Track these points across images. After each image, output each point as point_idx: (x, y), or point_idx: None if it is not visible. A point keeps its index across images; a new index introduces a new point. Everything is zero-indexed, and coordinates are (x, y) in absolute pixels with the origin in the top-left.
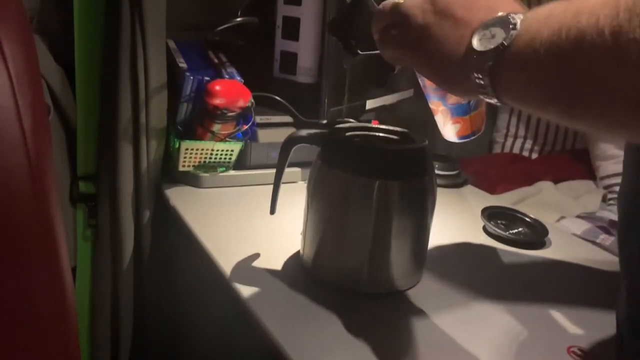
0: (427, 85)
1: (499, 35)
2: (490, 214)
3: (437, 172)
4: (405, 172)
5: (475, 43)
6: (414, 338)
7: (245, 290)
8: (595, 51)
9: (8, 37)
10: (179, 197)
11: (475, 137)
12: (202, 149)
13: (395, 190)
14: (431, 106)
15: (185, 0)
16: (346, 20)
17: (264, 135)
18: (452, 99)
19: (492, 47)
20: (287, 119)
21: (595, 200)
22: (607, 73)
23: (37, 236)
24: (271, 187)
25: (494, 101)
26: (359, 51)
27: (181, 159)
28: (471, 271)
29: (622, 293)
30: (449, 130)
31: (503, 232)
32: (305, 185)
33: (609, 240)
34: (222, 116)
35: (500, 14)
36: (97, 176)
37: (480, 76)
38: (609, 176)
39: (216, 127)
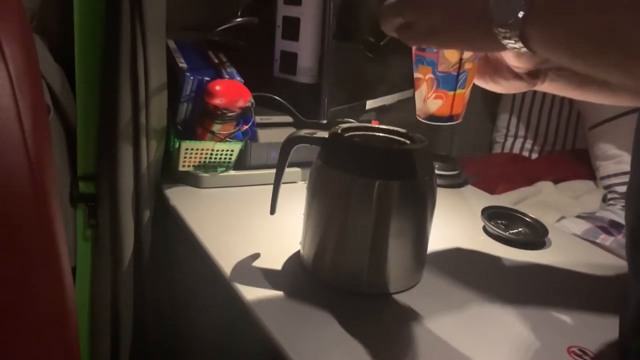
0: (417, 53)
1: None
2: (490, 214)
3: (437, 172)
4: (405, 172)
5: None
6: (413, 338)
7: (245, 290)
8: None
9: (8, 37)
10: (179, 197)
11: (450, 123)
12: (202, 149)
13: (395, 190)
14: (417, 75)
15: (185, 0)
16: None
17: (264, 135)
18: (442, 66)
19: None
20: (287, 119)
21: (595, 200)
22: None
23: (37, 236)
24: (271, 187)
25: (518, 46)
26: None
27: (181, 159)
28: (471, 271)
29: (631, 296)
30: (429, 105)
31: (503, 232)
32: (305, 185)
33: (609, 240)
34: (222, 116)
35: None
36: (97, 176)
37: (510, 24)
38: (609, 176)
39: (216, 127)
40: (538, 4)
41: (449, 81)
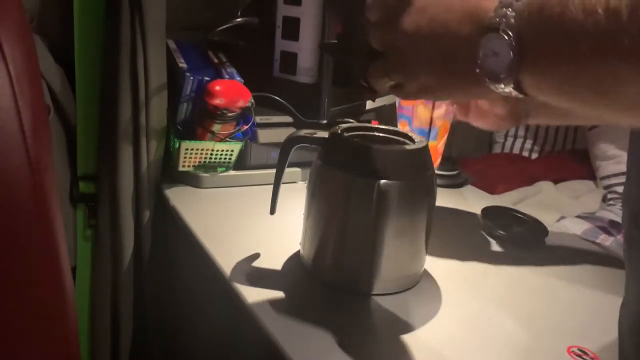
0: (397, 109)
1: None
2: (490, 214)
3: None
4: (405, 172)
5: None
6: (413, 338)
7: (245, 290)
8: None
9: (8, 37)
10: (179, 197)
11: None
12: (202, 149)
13: (395, 190)
14: (398, 126)
15: (185, 1)
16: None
17: (264, 135)
18: (416, 122)
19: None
20: (287, 119)
21: (595, 200)
22: None
23: (37, 236)
24: (271, 187)
25: (513, 94)
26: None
27: (181, 159)
28: (471, 271)
29: (628, 297)
30: None
31: (503, 232)
32: (305, 185)
33: (609, 240)
34: (222, 116)
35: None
36: (97, 176)
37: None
38: (608, 176)
39: (216, 127)
40: (531, 53)
41: (423, 135)
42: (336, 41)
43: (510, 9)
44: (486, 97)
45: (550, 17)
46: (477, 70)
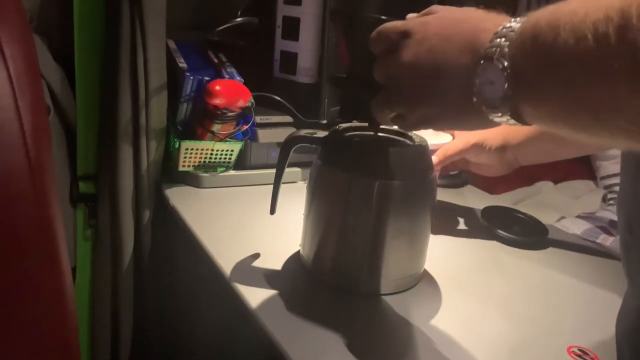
0: None
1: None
2: (490, 214)
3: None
4: (405, 172)
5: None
6: (413, 338)
7: (245, 290)
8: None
9: (8, 37)
10: (179, 197)
11: None
12: (202, 149)
13: (395, 190)
14: None
15: (185, 0)
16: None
17: (264, 135)
18: None
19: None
20: (287, 119)
21: (595, 200)
22: None
23: (37, 236)
24: (271, 187)
25: (512, 123)
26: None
27: (181, 159)
28: (471, 271)
29: (626, 298)
30: None
31: (503, 232)
32: (305, 185)
33: (609, 240)
34: (222, 116)
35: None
36: (97, 176)
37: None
38: (609, 176)
39: (216, 127)
40: (524, 82)
41: None
42: (345, 75)
43: (504, 39)
44: (486, 127)
45: (543, 45)
46: (475, 99)
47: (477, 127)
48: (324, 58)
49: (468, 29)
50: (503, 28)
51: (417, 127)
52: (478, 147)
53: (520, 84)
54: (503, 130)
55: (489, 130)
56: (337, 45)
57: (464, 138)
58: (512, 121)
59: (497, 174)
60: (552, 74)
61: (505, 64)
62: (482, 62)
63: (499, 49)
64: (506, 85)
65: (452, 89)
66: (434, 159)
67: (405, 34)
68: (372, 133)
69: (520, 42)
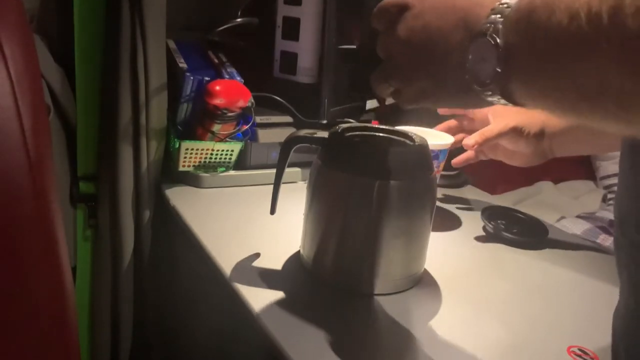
0: None
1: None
2: (490, 214)
3: None
4: (405, 172)
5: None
6: (413, 338)
7: (245, 290)
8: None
9: (8, 37)
10: (179, 197)
11: None
12: (202, 149)
13: (395, 190)
14: None
15: (185, 0)
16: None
17: (264, 135)
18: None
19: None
20: (287, 119)
21: (595, 200)
22: None
23: (37, 236)
24: (271, 187)
25: (503, 102)
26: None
27: (181, 159)
28: (471, 271)
29: (621, 298)
30: None
31: (503, 232)
32: (305, 185)
33: (609, 240)
34: (222, 116)
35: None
36: (97, 176)
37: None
38: (609, 176)
39: (216, 127)
40: (516, 59)
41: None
42: (354, 47)
43: (499, 15)
44: (482, 106)
45: (536, 23)
46: (467, 77)
47: (473, 105)
48: (323, 58)
49: (465, 4)
50: (500, 4)
51: (415, 102)
52: (516, 131)
53: (512, 61)
54: (542, 117)
55: (527, 115)
56: (347, 19)
57: (503, 121)
58: (503, 101)
59: (527, 164)
60: (544, 52)
61: (498, 40)
62: (476, 38)
63: (493, 26)
64: (497, 62)
65: (446, 65)
66: (472, 140)
67: (403, 8)
68: (372, 133)
69: (515, 19)
